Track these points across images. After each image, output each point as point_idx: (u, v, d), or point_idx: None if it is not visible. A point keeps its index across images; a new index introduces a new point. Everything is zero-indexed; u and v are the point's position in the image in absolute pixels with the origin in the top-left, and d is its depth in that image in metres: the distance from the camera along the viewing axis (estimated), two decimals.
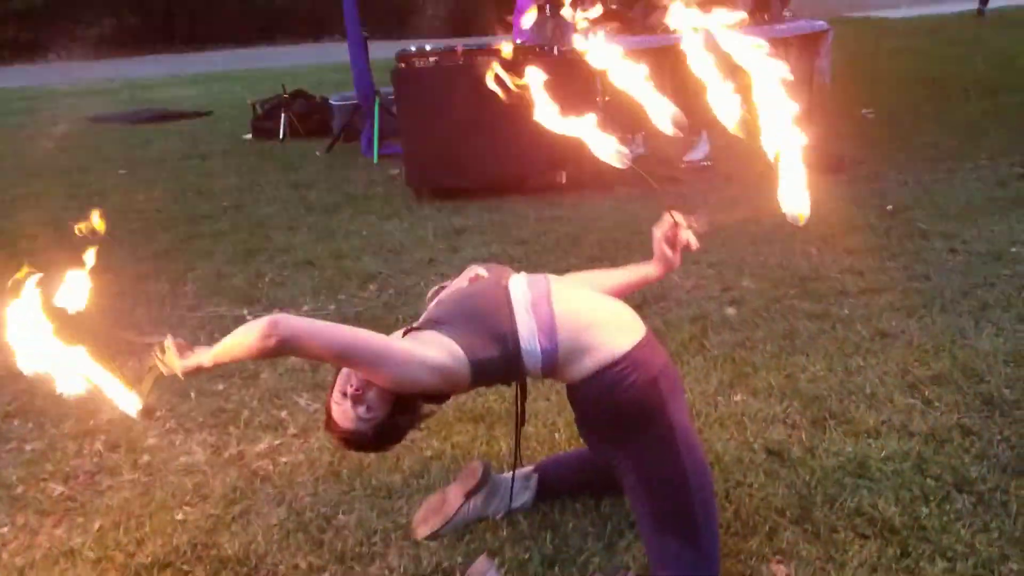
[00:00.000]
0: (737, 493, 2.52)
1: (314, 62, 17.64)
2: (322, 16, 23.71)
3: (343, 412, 2.04)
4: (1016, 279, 3.97)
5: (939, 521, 2.32)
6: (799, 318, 3.70)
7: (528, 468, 2.56)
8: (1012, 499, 2.40)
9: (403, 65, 6.25)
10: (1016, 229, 4.61)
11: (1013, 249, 4.34)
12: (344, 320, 4.06)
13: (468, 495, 2.45)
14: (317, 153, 8.43)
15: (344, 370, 2.05)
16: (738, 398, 3.08)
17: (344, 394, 2.03)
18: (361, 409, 2.02)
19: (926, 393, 2.99)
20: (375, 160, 7.75)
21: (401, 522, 2.51)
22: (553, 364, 1.98)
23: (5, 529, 2.62)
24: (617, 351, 1.97)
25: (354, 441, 2.09)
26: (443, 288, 2.26)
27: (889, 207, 5.17)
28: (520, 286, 2.06)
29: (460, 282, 2.22)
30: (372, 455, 2.83)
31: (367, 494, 2.66)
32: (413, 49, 6.29)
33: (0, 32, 25.67)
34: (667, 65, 5.25)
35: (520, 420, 2.26)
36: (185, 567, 2.37)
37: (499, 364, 1.96)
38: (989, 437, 2.70)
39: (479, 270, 2.22)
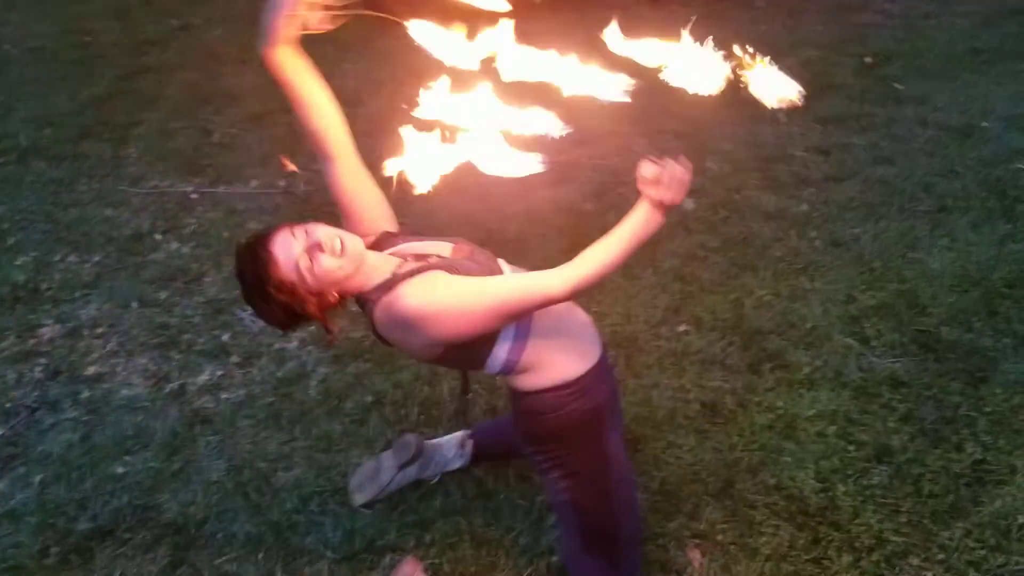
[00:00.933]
0: (667, 457, 2.58)
1: None
2: None
3: (305, 262, 1.75)
4: (980, 165, 3.85)
5: (854, 502, 2.40)
6: (756, 219, 3.62)
7: (463, 433, 2.59)
8: (926, 474, 2.47)
9: None
10: (991, 95, 4.41)
11: (984, 124, 4.18)
12: (292, 200, 3.97)
13: (401, 467, 2.50)
14: None
15: (331, 232, 1.80)
16: (681, 328, 3.08)
17: (323, 251, 1.76)
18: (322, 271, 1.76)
19: (866, 329, 2.99)
20: None
21: (338, 482, 2.57)
22: (510, 371, 1.94)
23: None
24: (570, 375, 1.92)
25: (273, 292, 1.78)
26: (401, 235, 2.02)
27: (868, 59, 4.90)
28: None
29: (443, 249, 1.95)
30: (314, 390, 2.87)
31: (307, 445, 2.71)
32: None
33: None
34: None
35: (464, 389, 2.24)
36: (127, 535, 2.46)
37: (465, 355, 1.88)
38: (919, 391, 2.73)
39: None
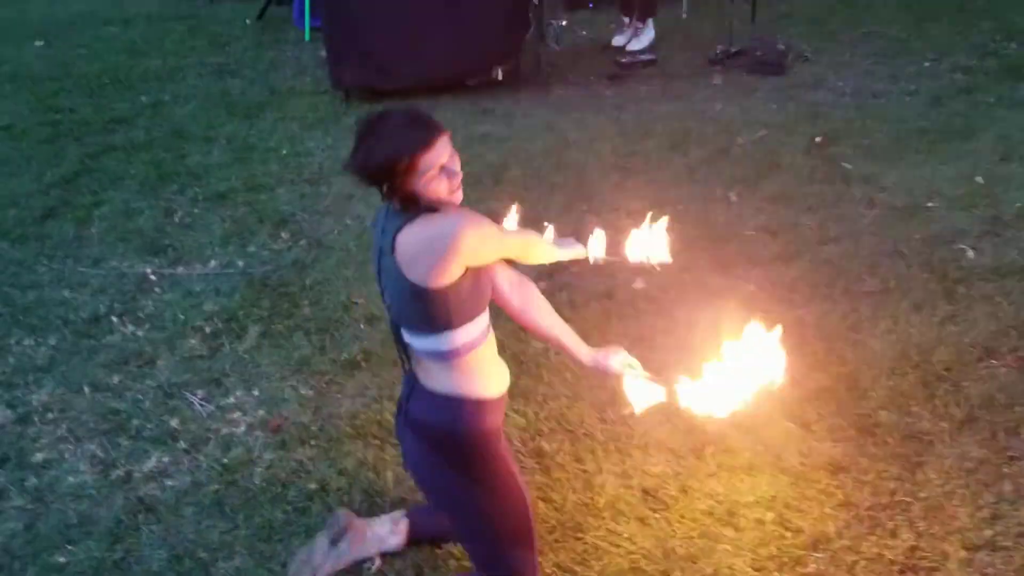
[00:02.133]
0: (607, 546, 2.60)
1: None
2: None
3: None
4: (924, 246, 3.94)
5: None
6: (704, 296, 3.69)
7: (398, 513, 2.62)
8: (861, 561, 2.49)
9: None
10: (937, 175, 4.54)
11: (930, 204, 4.29)
12: (250, 282, 4.01)
13: (333, 543, 2.52)
14: (247, 21, 7.99)
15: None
16: (627, 411, 3.11)
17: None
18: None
19: (807, 412, 3.04)
20: (307, 36, 7.36)
21: (278, 572, 2.57)
22: (452, 358, 2.04)
23: None
24: (485, 394, 2.09)
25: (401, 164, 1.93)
26: None
27: (818, 138, 5.04)
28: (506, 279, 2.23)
29: None
30: (259, 478, 2.89)
31: (249, 533, 2.71)
32: None
33: None
34: None
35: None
36: None
37: (445, 309, 1.98)
38: (857, 476, 2.77)
39: None
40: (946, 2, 7.38)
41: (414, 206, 1.99)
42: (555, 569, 2.53)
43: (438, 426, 2.11)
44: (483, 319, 2.08)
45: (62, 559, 2.67)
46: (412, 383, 2.15)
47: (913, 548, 2.52)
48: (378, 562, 2.56)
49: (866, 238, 4.06)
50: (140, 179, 5.06)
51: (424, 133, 1.96)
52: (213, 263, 4.20)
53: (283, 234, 4.42)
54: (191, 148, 5.43)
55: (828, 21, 7.18)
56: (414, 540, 2.60)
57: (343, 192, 4.79)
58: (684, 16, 7.27)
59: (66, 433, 3.18)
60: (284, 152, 5.33)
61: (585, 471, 2.86)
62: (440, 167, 1.97)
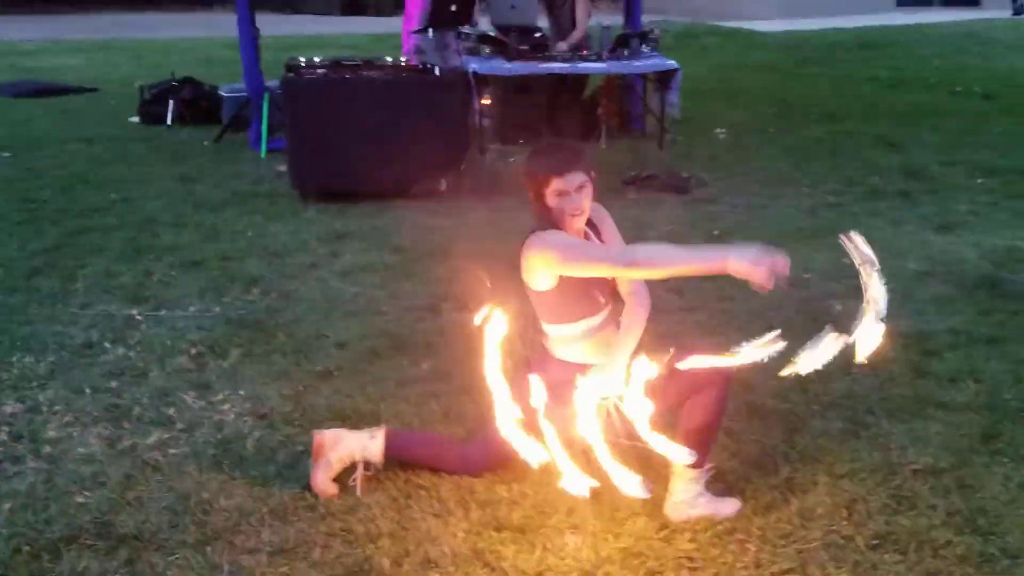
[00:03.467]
0: None
1: (204, 34, 17.53)
2: None
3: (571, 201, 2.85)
4: (803, 302, 4.76)
5: None
6: None
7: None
8: (748, 488, 3.12)
9: (291, 74, 6.68)
10: (812, 257, 5.43)
11: (806, 275, 5.15)
12: (228, 320, 4.55)
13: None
14: (205, 143, 8.74)
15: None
16: None
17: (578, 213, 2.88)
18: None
19: None
20: (263, 156, 8.12)
21: (273, 504, 3.05)
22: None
23: None
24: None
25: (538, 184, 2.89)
26: None
27: (716, 232, 5.95)
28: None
29: None
30: (251, 447, 3.38)
31: (245, 482, 3.19)
32: (302, 61, 6.73)
33: None
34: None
35: None
36: (88, 541, 2.86)
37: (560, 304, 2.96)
38: (748, 440, 3.43)
39: None
40: (821, 148, 8.65)
41: (539, 219, 2.84)
42: None
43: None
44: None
45: (80, 499, 3.09)
46: None
47: (790, 478, 3.17)
48: (360, 474, 3.08)
49: (753, 297, 4.84)
50: (118, 251, 5.60)
51: (563, 164, 2.81)
52: (192, 308, 4.73)
53: (254, 290, 5.00)
54: (163, 231, 6.02)
55: (722, 159, 8.31)
56: (393, 456, 3.12)
57: (307, 262, 5.44)
58: (602, 147, 8.34)
59: (72, 420, 3.62)
60: (250, 234, 5.96)
61: None
62: (573, 192, 2.81)
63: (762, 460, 3.30)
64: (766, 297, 4.83)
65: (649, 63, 7.12)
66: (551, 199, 2.84)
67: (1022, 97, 11.22)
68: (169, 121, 9.51)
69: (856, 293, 4.77)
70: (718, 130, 9.52)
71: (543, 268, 2.87)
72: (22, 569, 2.73)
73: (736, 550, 2.82)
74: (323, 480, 3.06)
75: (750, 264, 2.49)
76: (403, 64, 6.88)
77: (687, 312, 4.69)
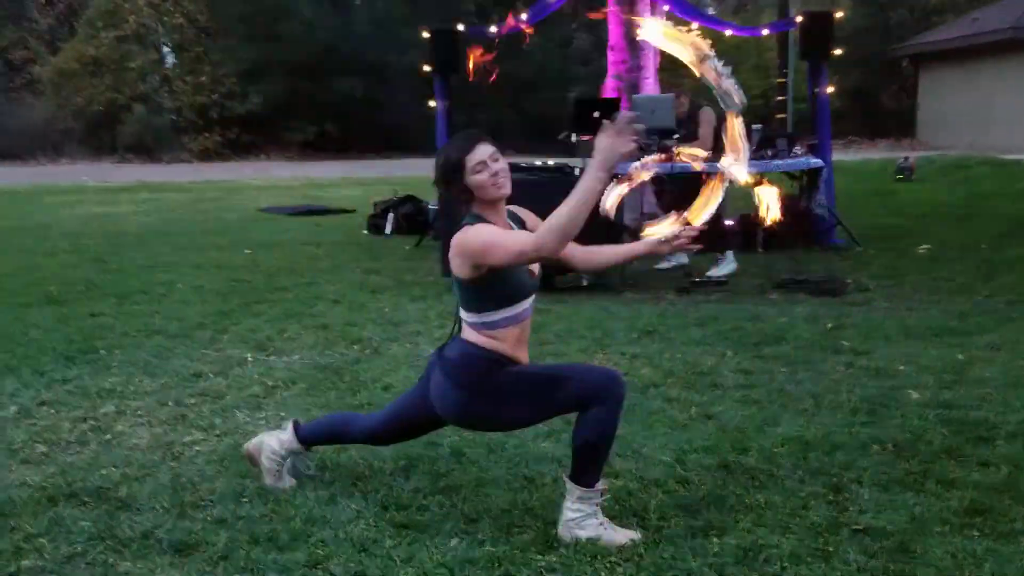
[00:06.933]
0: None
1: None
2: None
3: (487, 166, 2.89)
4: (879, 392, 4.47)
5: None
6: None
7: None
8: (691, 455, 3.05)
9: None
10: (912, 355, 5.06)
11: (901, 367, 4.82)
12: (315, 368, 5.11)
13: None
14: (407, 247, 9.71)
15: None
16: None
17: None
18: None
19: None
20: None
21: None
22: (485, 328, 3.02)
23: None
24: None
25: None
26: None
27: (828, 325, 5.71)
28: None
29: None
30: None
31: (241, 477, 3.63)
32: None
33: (226, 133, 29.36)
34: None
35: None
36: (86, 499, 3.42)
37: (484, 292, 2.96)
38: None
39: None
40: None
41: (467, 207, 2.92)
42: None
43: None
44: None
45: (105, 471, 3.68)
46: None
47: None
48: (311, 465, 3.48)
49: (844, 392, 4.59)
50: (273, 316, 6.43)
51: (469, 141, 2.89)
52: (296, 356, 5.37)
53: (355, 347, 5.55)
54: (320, 305, 6.82)
55: (902, 268, 7.83)
56: (309, 441, 3.44)
57: (415, 330, 5.93)
58: (760, 251, 8.22)
59: (142, 422, 4.28)
60: (387, 309, 6.61)
61: None
62: (482, 162, 2.85)
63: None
64: (849, 389, 4.62)
65: (789, 161, 7.05)
66: (472, 178, 2.86)
67: None
68: (388, 231, 10.67)
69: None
70: (922, 247, 8.98)
71: (469, 260, 2.86)
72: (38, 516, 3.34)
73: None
74: (272, 480, 3.44)
75: (607, 149, 2.55)
76: (548, 165, 7.36)
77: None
